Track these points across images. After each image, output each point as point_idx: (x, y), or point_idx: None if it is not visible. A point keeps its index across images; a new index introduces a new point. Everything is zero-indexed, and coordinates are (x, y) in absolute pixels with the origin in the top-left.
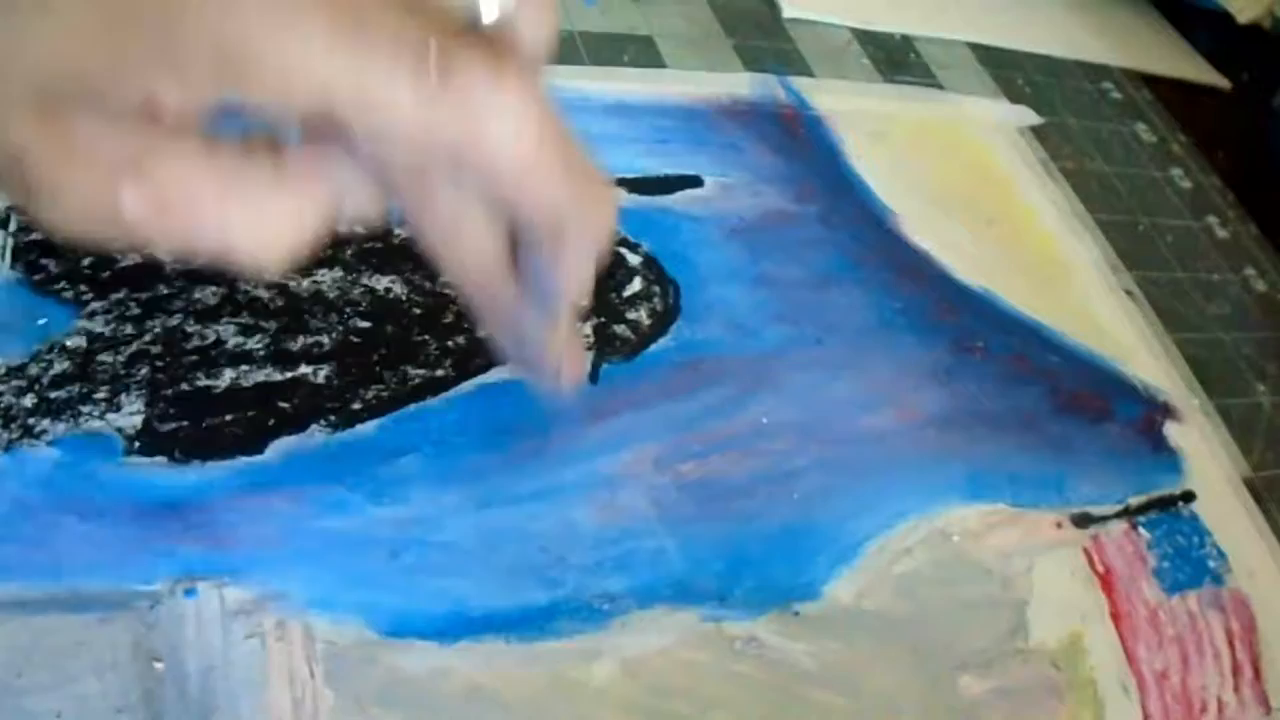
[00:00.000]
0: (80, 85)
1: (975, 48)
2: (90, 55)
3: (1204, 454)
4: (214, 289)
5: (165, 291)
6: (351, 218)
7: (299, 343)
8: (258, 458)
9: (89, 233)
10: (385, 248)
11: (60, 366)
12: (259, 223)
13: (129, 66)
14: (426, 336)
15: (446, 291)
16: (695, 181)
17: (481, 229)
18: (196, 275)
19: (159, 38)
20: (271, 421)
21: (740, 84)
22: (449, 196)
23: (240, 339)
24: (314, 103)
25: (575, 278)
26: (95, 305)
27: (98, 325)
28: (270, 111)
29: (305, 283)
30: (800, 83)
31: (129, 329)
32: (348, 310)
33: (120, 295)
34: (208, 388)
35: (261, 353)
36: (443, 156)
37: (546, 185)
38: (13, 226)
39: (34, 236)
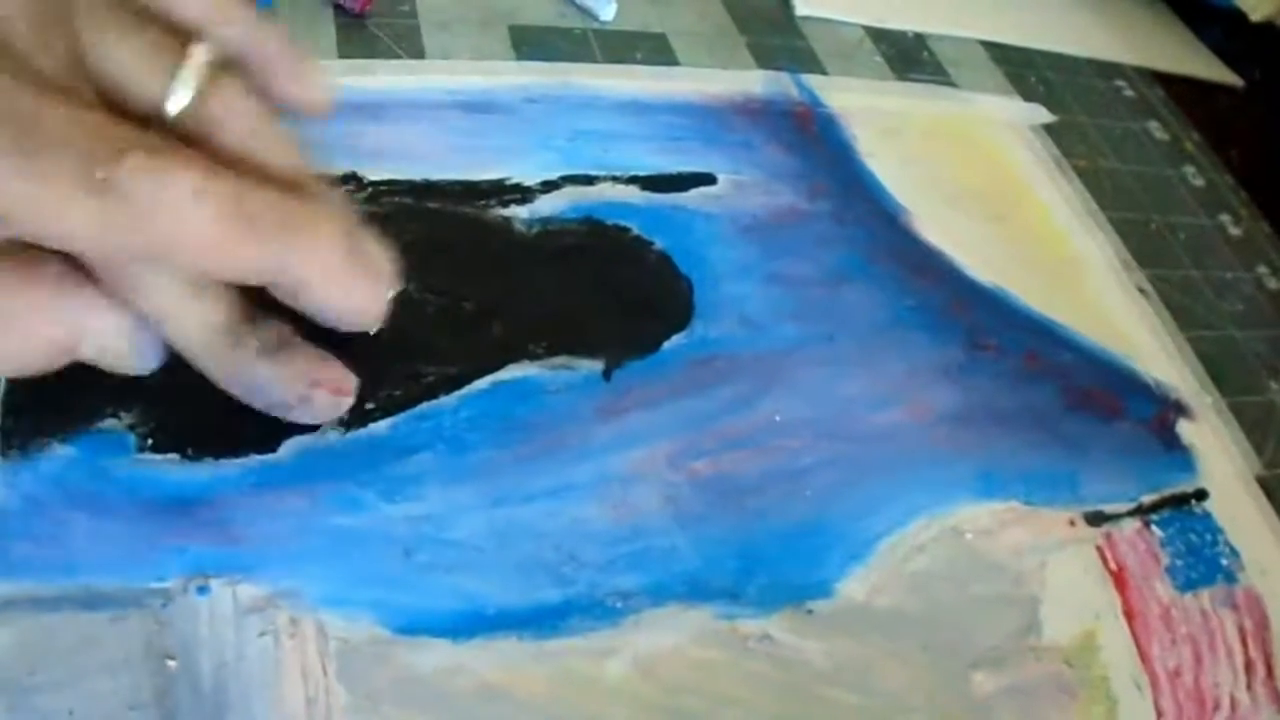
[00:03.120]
0: None
1: (988, 46)
2: None
3: (1216, 452)
4: None
5: None
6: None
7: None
8: (270, 455)
9: None
10: (397, 245)
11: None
12: None
13: None
14: (439, 334)
15: (458, 290)
16: (708, 179)
17: (202, 302)
18: None
19: None
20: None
21: (753, 81)
22: (159, 280)
23: None
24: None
25: (341, 305)
26: None
27: None
28: None
29: None
30: (813, 80)
31: None
32: None
33: None
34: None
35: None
36: (133, 255)
37: (242, 256)
38: None
39: None
